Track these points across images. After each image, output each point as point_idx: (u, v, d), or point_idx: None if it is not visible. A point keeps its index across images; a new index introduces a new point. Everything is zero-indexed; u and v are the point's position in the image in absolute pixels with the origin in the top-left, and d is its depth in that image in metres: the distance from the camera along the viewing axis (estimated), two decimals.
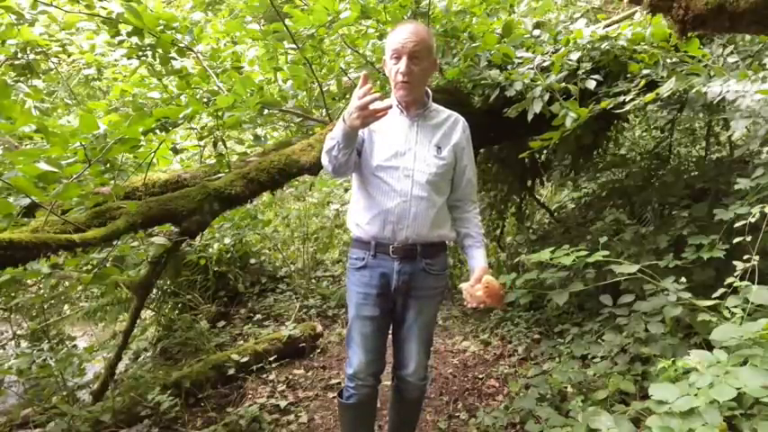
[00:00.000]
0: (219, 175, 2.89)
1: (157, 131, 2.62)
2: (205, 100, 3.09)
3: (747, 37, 2.84)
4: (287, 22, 3.00)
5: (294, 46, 3.09)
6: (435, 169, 1.80)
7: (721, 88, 2.13)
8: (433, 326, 2.00)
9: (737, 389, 1.46)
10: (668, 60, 2.68)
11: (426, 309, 1.90)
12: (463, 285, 1.80)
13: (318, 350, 3.55)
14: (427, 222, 1.79)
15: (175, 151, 3.10)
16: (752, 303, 1.88)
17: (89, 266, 2.63)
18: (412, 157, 1.79)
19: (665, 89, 2.28)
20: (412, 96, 1.80)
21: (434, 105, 1.89)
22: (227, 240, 4.33)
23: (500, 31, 3.21)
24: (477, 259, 1.87)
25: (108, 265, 2.55)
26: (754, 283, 1.95)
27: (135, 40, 3.03)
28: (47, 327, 3.41)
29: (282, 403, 2.82)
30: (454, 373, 3.20)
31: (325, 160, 1.74)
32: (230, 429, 2.53)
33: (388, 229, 1.78)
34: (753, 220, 2.14)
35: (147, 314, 4.14)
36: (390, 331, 1.98)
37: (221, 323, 3.96)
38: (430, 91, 1.88)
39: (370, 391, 1.93)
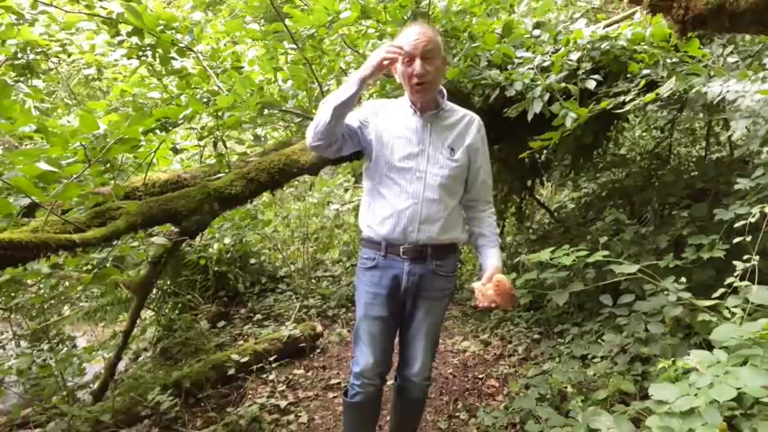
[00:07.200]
0: (219, 175, 2.90)
1: (157, 131, 2.62)
2: (205, 100, 3.09)
3: (747, 37, 2.84)
4: (287, 22, 3.00)
5: (294, 46, 3.10)
6: (448, 171, 1.78)
7: (721, 88, 2.13)
8: (440, 327, 2.00)
9: (737, 389, 1.45)
10: (668, 60, 2.67)
11: (435, 310, 1.89)
12: (475, 285, 1.76)
13: (318, 350, 3.55)
14: (438, 225, 1.77)
15: (175, 151, 3.10)
16: (752, 303, 1.87)
17: (89, 266, 2.62)
18: (425, 158, 1.77)
19: (665, 89, 2.28)
20: (429, 98, 1.78)
21: (449, 104, 1.86)
22: (227, 240, 4.33)
23: (500, 31, 3.21)
24: (491, 258, 1.83)
25: (108, 265, 2.54)
26: (754, 283, 1.95)
27: (135, 40, 3.03)
28: (47, 327, 3.41)
29: (282, 403, 2.82)
30: (454, 373, 3.20)
31: (311, 127, 1.72)
32: (230, 429, 2.53)
33: (399, 231, 1.77)
34: (753, 220, 2.13)
35: (147, 314, 4.14)
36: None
37: (221, 323, 3.96)
38: (444, 90, 1.84)
39: (375, 390, 1.93)
